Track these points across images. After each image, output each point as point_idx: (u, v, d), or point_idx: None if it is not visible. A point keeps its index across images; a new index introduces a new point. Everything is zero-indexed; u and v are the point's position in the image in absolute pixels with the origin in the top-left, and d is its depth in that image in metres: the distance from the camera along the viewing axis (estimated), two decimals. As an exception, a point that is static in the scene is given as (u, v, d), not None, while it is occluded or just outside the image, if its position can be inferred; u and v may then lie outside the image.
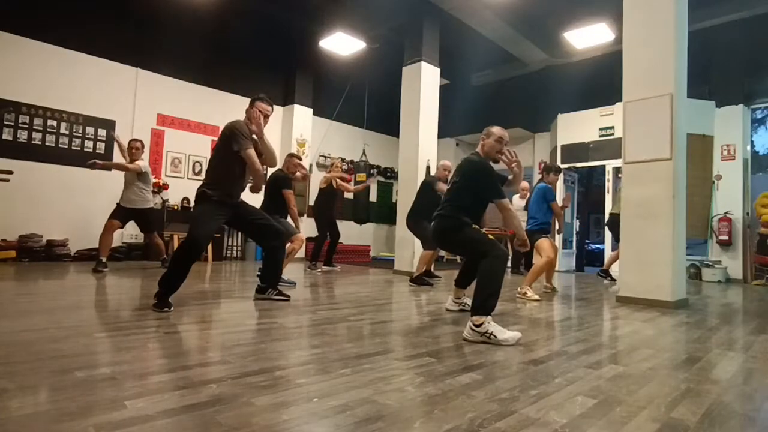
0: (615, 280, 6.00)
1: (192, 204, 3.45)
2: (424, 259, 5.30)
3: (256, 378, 1.64)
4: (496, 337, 2.33)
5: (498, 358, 2.07)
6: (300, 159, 5.09)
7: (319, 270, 6.34)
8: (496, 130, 2.99)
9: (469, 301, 3.12)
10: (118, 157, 6.15)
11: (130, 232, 6.57)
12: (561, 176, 8.86)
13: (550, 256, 4.56)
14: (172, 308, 2.87)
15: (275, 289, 3.55)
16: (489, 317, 2.40)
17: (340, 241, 6.71)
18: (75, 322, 2.46)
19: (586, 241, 14.85)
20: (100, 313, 2.83)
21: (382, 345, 2.25)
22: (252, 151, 3.13)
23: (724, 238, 7.30)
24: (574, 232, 9.68)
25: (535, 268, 4.53)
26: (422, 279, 5.22)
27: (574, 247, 9.58)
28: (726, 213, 7.38)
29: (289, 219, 4.85)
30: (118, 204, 5.37)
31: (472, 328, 2.39)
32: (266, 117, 3.31)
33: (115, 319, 2.61)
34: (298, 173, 4.99)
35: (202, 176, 7.89)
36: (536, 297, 4.23)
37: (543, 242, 4.62)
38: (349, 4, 7.56)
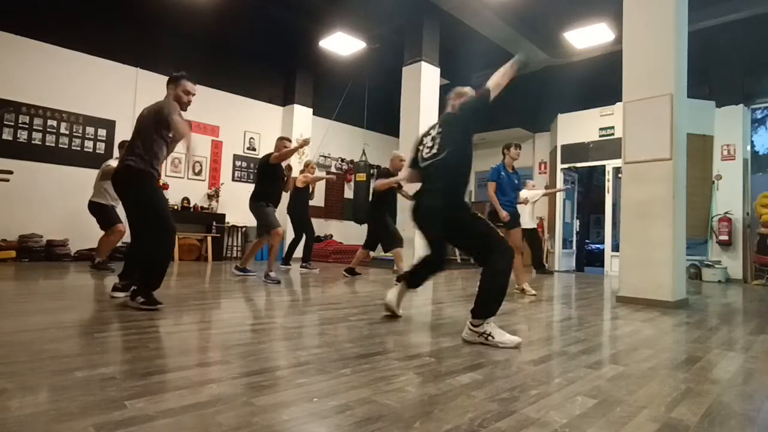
0: None
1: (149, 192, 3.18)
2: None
3: (256, 378, 1.64)
4: (493, 338, 2.28)
5: (498, 358, 2.07)
6: (290, 141, 5.13)
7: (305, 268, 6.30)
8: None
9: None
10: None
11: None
12: (560, 178, 8.88)
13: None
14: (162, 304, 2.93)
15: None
16: (490, 319, 2.34)
17: (339, 241, 6.70)
18: (75, 322, 2.46)
19: (586, 240, 14.86)
20: (100, 312, 2.83)
21: (382, 345, 2.25)
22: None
23: (724, 238, 7.30)
24: (574, 232, 9.68)
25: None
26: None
27: (574, 247, 9.58)
28: (726, 213, 7.38)
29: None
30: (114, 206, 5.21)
31: (470, 329, 2.35)
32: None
33: (115, 319, 2.61)
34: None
35: (202, 176, 7.94)
36: (532, 293, 4.38)
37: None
38: (349, 4, 7.56)
